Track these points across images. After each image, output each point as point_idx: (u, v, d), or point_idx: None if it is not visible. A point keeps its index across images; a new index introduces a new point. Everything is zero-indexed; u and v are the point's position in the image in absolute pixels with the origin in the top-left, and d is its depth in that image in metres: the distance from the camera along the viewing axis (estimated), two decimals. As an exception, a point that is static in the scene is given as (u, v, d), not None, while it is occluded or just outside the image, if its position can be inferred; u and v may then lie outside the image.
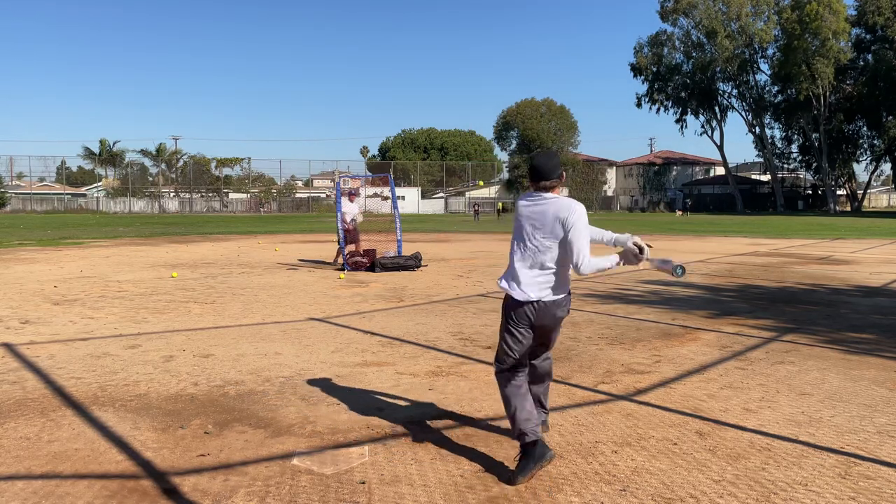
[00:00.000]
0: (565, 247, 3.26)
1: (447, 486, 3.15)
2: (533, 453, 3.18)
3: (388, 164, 76.42)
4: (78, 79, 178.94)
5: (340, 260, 13.01)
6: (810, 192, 72.35)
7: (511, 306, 3.38)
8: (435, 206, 70.70)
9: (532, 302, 3.31)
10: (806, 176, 73.80)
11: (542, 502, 2.99)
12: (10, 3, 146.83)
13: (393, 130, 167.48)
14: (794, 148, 70.48)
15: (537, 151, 3.87)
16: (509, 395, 3.38)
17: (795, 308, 8.29)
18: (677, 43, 65.62)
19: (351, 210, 13.41)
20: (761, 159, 72.18)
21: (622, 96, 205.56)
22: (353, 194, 13.70)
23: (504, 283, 3.41)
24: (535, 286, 3.31)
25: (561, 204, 3.31)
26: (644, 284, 10.58)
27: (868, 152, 66.16)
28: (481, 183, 71.82)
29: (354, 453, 3.56)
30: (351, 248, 12.97)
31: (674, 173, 78.06)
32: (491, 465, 3.39)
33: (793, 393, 4.65)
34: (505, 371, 3.42)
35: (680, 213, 60.02)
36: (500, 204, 55.50)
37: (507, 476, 3.22)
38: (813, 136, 62.38)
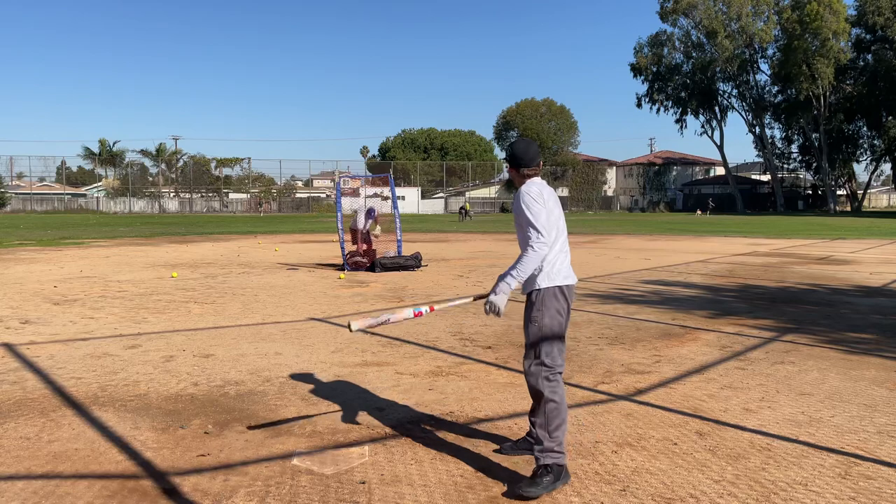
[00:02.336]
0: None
1: (447, 486, 3.15)
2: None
3: (388, 164, 76.36)
4: (78, 79, 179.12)
5: (350, 247, 12.80)
6: (810, 192, 72.33)
7: (560, 297, 3.24)
8: (435, 206, 70.66)
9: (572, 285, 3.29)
10: (806, 176, 73.77)
11: (542, 502, 2.99)
12: (11, 3, 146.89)
13: (393, 130, 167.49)
14: (794, 148, 70.50)
15: (516, 140, 3.62)
16: (565, 401, 3.23)
17: (795, 308, 8.29)
18: (677, 43, 65.61)
19: (360, 219, 12.87)
20: (761, 159, 72.15)
21: (622, 96, 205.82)
22: (374, 219, 13.03)
23: (565, 280, 3.26)
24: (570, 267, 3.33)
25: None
26: (644, 284, 10.58)
27: (868, 152, 66.14)
28: None
29: (354, 453, 3.56)
30: (351, 248, 12.94)
31: (674, 173, 78.05)
32: (491, 465, 3.39)
33: (793, 393, 4.65)
34: (559, 374, 3.25)
35: (700, 212, 59.20)
36: (467, 205, 50.50)
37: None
38: (813, 136, 62.39)
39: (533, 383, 3.22)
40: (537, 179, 3.31)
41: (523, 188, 3.26)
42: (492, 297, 3.23)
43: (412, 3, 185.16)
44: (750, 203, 67.50)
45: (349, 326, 3.30)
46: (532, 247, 3.13)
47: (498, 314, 3.24)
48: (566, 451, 3.20)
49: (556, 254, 3.24)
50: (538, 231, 3.13)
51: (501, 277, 3.22)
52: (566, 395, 3.31)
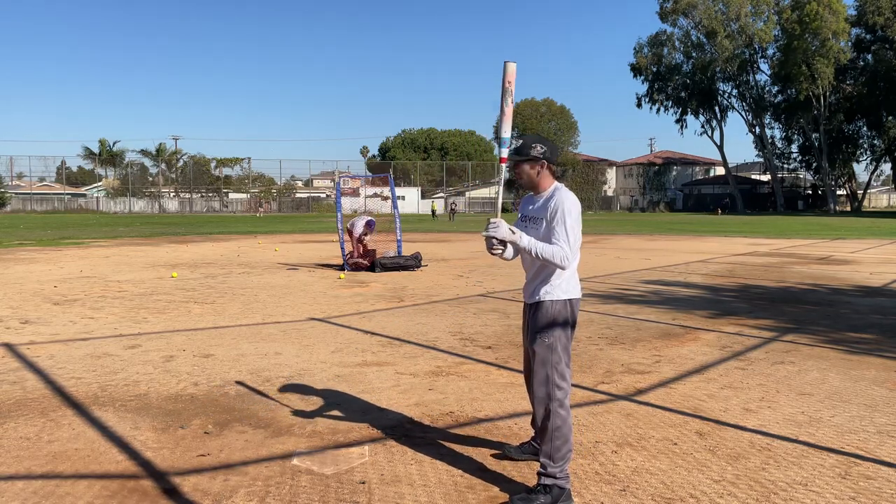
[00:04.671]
0: None
1: (447, 486, 3.15)
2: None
3: (388, 164, 76.39)
4: (78, 79, 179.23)
5: (350, 248, 12.81)
6: (810, 192, 72.39)
7: (570, 310, 3.07)
8: (435, 205, 70.67)
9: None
10: (806, 176, 73.84)
11: (542, 502, 2.99)
12: (11, 3, 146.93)
13: (393, 130, 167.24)
14: (794, 148, 70.61)
15: (535, 135, 3.22)
16: (571, 429, 3.08)
17: (795, 308, 8.29)
18: (677, 43, 65.69)
19: (359, 226, 12.95)
20: (761, 159, 72.21)
21: (622, 96, 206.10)
22: (371, 229, 13.14)
23: (578, 293, 3.12)
24: None
25: None
26: (644, 284, 10.58)
27: (868, 152, 66.23)
28: None
29: (354, 453, 3.56)
30: (351, 248, 12.94)
31: (674, 173, 78.12)
32: (491, 465, 3.39)
33: (793, 393, 4.65)
34: (567, 396, 3.07)
35: (720, 212, 60.04)
36: (434, 205, 48.70)
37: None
38: (813, 136, 62.42)
39: (543, 408, 3.02)
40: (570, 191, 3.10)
41: (570, 200, 3.00)
42: (505, 227, 2.93)
43: (412, 3, 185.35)
44: (750, 203, 67.56)
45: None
46: (562, 256, 2.93)
47: (493, 235, 2.92)
48: (570, 476, 3.06)
49: (574, 267, 3.08)
50: (572, 251, 2.96)
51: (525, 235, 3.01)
52: None
